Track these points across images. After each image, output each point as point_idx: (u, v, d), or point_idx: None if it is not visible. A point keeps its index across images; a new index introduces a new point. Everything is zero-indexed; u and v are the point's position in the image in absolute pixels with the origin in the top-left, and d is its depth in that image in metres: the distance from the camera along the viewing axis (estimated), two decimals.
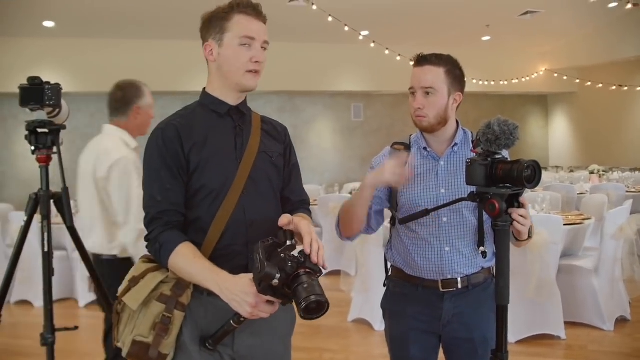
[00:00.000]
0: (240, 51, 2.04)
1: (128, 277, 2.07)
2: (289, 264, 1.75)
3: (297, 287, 1.73)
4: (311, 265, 1.79)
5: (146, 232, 2.03)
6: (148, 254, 2.10)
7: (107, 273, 3.39)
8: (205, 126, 2.06)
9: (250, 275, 1.83)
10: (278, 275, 1.73)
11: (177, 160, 2.01)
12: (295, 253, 1.80)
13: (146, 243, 2.04)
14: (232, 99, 2.12)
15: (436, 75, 2.41)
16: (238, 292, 1.84)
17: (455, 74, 2.45)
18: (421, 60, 2.45)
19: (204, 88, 2.15)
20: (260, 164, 2.08)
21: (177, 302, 1.98)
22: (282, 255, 1.77)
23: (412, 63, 2.53)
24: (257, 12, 2.07)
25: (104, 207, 3.46)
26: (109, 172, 3.39)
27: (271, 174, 2.14)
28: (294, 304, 1.78)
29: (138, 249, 3.27)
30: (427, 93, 2.40)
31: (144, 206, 2.04)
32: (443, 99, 2.41)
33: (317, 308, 1.72)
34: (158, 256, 2.00)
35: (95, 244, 3.52)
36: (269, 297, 1.80)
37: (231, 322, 1.92)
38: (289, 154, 2.24)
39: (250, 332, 2.07)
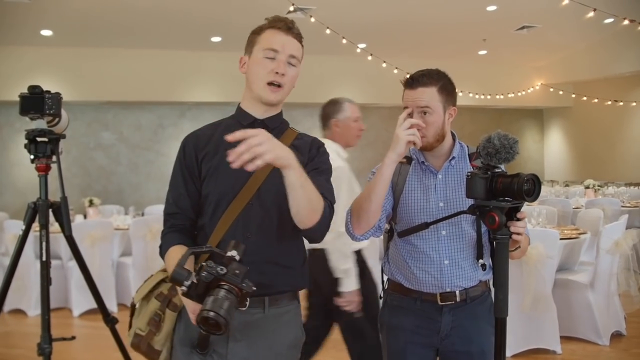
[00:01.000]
0: (263, 62, 2.06)
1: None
2: (204, 273, 1.75)
3: (208, 297, 1.74)
4: (235, 281, 1.76)
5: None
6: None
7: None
8: (223, 136, 2.01)
9: None
10: (187, 283, 1.75)
11: (192, 168, 2.10)
12: (223, 267, 1.77)
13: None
14: (259, 112, 2.14)
15: (430, 95, 2.38)
16: (188, 303, 1.93)
17: (448, 89, 2.43)
18: (412, 83, 2.42)
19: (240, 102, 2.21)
20: (274, 179, 2.00)
21: (169, 302, 2.11)
22: (203, 263, 1.77)
23: (402, 84, 2.50)
24: (287, 27, 2.11)
25: None
26: None
27: (284, 191, 1.93)
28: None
29: (335, 246, 3.47)
30: (425, 113, 2.39)
31: (164, 208, 2.19)
32: (439, 116, 2.40)
33: (214, 325, 1.72)
34: (160, 254, 2.12)
35: None
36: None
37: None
38: (311, 163, 2.16)
39: (246, 343, 2.06)
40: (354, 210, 2.43)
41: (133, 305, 2.20)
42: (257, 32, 2.13)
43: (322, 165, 2.18)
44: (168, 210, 2.14)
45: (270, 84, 2.07)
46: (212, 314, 1.69)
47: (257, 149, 1.69)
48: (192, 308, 1.91)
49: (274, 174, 2.00)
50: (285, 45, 2.08)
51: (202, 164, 2.08)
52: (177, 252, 1.99)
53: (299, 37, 2.14)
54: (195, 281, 1.76)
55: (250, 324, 2.06)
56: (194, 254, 1.92)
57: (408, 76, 2.47)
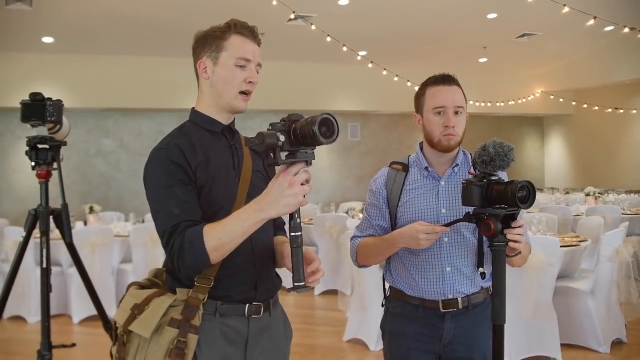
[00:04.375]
0: (235, 72, 2.04)
1: (128, 305, 2.02)
2: (279, 125, 1.72)
3: (303, 125, 1.69)
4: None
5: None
6: (138, 279, 2.08)
7: None
8: (204, 145, 2.04)
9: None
10: (282, 137, 1.69)
11: (188, 176, 1.96)
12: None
13: (171, 262, 1.92)
14: (224, 119, 2.12)
15: (462, 96, 2.47)
16: (273, 190, 1.76)
17: (464, 95, 2.51)
18: (450, 80, 2.47)
19: (193, 107, 2.14)
20: (257, 183, 2.08)
21: (190, 325, 1.94)
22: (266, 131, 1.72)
23: (432, 80, 2.53)
24: (253, 35, 2.08)
25: None
26: None
27: None
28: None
29: None
30: (457, 112, 2.43)
31: (160, 227, 1.94)
32: (466, 118, 2.48)
33: (331, 123, 1.68)
34: (192, 253, 1.85)
35: None
36: (293, 158, 1.74)
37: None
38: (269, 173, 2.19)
39: (261, 350, 2.09)
40: (362, 254, 2.60)
41: (124, 344, 2.00)
42: (219, 36, 2.05)
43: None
44: (178, 220, 1.90)
45: (242, 92, 2.06)
46: (327, 115, 1.68)
47: None
48: (288, 182, 1.74)
49: (256, 177, 2.09)
50: (255, 54, 2.07)
51: (197, 174, 1.98)
52: (213, 224, 1.87)
53: (260, 43, 2.12)
54: (282, 138, 1.69)
55: (262, 329, 2.10)
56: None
57: (443, 74, 2.51)
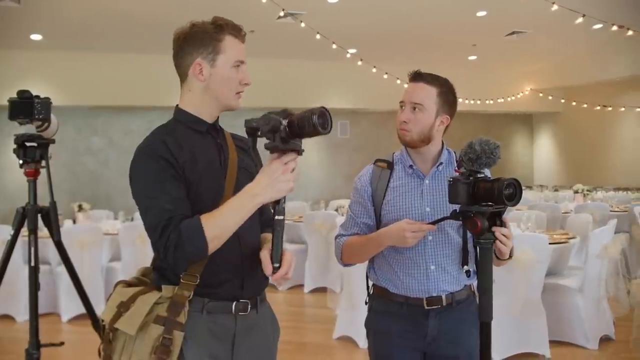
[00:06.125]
0: (232, 73, 2.05)
1: (114, 303, 2.02)
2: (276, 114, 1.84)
3: (300, 116, 1.82)
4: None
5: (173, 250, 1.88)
6: (127, 277, 2.07)
7: None
8: (190, 143, 2.04)
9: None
10: (284, 122, 1.83)
11: (177, 172, 1.96)
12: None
13: (164, 255, 1.90)
14: (210, 117, 2.11)
15: (428, 94, 2.43)
16: (267, 175, 1.89)
17: (448, 98, 2.47)
18: (416, 77, 2.48)
19: (177, 105, 2.13)
20: (243, 179, 2.06)
21: (175, 322, 1.93)
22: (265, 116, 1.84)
23: (407, 77, 2.54)
24: (242, 34, 2.10)
25: None
26: None
27: None
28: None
29: None
30: (415, 109, 2.43)
31: (152, 222, 1.92)
32: (429, 117, 2.43)
33: (327, 115, 1.82)
34: (191, 242, 1.86)
35: None
36: (288, 145, 1.85)
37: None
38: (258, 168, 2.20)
39: (248, 347, 2.09)
40: (347, 252, 2.59)
41: (110, 341, 2.01)
42: (214, 37, 2.03)
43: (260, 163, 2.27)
44: (170, 214, 1.89)
45: (237, 92, 2.09)
46: (324, 109, 1.81)
47: None
48: (280, 168, 1.88)
49: (242, 174, 2.09)
50: (245, 54, 2.10)
51: (184, 171, 1.97)
52: (209, 213, 1.91)
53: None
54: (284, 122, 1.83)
55: (249, 326, 2.10)
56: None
57: (414, 70, 2.52)
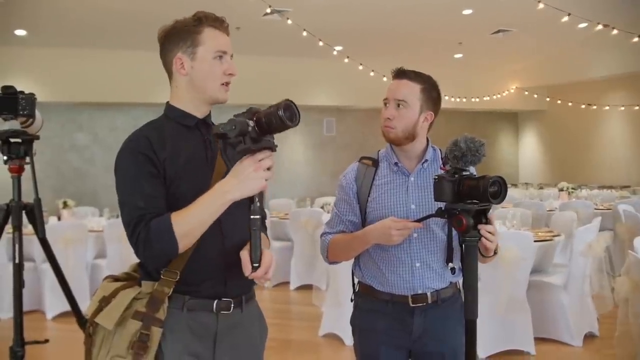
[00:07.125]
0: (214, 65, 2.04)
1: (97, 298, 2.03)
2: (241, 115, 1.82)
3: (267, 113, 1.79)
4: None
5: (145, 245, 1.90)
6: (113, 274, 2.06)
7: None
8: (175, 139, 2.03)
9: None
10: (251, 123, 1.80)
11: (156, 169, 1.95)
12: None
13: (135, 251, 1.93)
14: (200, 112, 2.10)
15: (411, 90, 2.44)
16: (237, 172, 1.86)
17: (432, 94, 2.47)
18: (400, 74, 2.48)
19: (168, 101, 2.12)
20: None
21: (153, 318, 1.93)
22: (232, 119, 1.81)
23: (391, 74, 2.55)
24: (224, 26, 2.09)
25: None
26: None
27: None
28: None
29: None
30: (399, 105, 2.43)
31: (125, 219, 1.94)
32: (413, 114, 2.44)
33: (293, 107, 1.80)
34: (160, 240, 1.87)
35: None
36: (260, 144, 1.83)
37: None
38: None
39: (230, 345, 2.08)
40: (333, 250, 2.58)
41: (90, 335, 2.01)
42: (192, 30, 2.03)
43: None
44: (142, 212, 1.90)
45: (223, 84, 2.07)
46: (288, 101, 1.80)
47: None
48: (252, 166, 1.85)
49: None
50: (228, 45, 2.08)
51: (165, 166, 1.97)
52: (179, 210, 1.90)
53: (229, 34, 2.14)
54: (251, 123, 1.80)
55: (232, 325, 2.08)
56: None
57: (397, 68, 2.52)
